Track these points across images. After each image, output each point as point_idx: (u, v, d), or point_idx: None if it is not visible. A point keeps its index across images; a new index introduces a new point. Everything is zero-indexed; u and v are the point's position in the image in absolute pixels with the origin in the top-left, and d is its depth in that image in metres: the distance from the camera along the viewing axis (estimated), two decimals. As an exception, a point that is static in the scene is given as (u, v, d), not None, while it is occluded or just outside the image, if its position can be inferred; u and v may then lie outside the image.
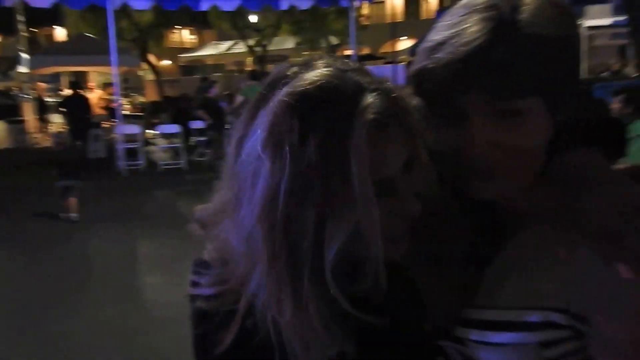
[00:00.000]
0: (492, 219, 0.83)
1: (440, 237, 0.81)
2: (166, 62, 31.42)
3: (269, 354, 0.73)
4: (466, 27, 0.70)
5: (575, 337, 0.74)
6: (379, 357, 0.79)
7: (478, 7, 0.71)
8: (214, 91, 8.88)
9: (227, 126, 9.88)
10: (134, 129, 11.28)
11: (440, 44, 0.72)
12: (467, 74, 0.70)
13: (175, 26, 28.26)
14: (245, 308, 0.74)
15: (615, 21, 13.55)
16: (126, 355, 3.65)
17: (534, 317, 0.74)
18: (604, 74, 13.54)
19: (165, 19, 21.35)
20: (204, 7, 10.47)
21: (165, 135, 11.54)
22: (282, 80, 0.71)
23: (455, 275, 0.81)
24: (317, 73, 0.70)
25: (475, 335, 0.79)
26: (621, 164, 3.32)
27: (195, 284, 0.83)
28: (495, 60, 0.69)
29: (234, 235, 0.74)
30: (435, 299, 0.81)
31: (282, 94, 0.68)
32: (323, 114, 0.67)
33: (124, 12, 16.41)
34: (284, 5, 10.96)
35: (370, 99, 0.68)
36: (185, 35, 36.50)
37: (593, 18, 13.95)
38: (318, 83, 0.68)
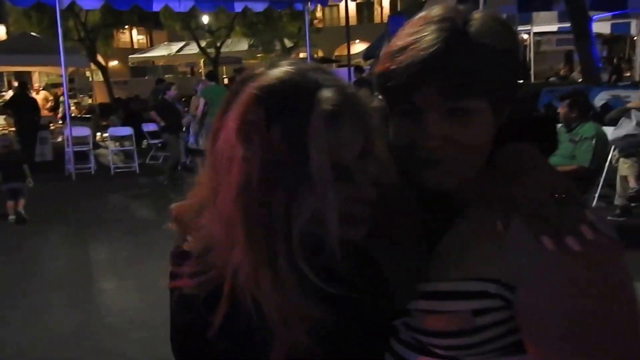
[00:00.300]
0: (443, 205, 0.93)
1: (398, 221, 0.89)
2: (115, 63, 30.71)
3: (251, 334, 0.82)
4: (424, 35, 0.81)
5: (504, 307, 0.82)
6: (347, 332, 0.87)
7: (434, 19, 0.82)
8: (171, 93, 8.71)
9: (184, 129, 9.74)
10: (83, 131, 10.98)
11: (402, 49, 0.82)
12: (423, 75, 0.80)
13: (125, 26, 27.63)
14: (228, 290, 0.81)
15: (561, 27, 14.03)
16: (73, 358, 3.59)
17: (471, 286, 0.83)
18: (552, 79, 14.00)
19: (114, 18, 20.88)
20: (156, 7, 10.29)
21: (116, 138, 11.29)
22: (251, 77, 0.80)
23: (411, 256, 0.90)
24: (282, 70, 0.80)
25: (421, 305, 0.88)
26: (567, 166, 3.58)
27: (175, 275, 0.89)
28: (448, 65, 0.79)
29: (214, 221, 0.81)
30: (395, 279, 0.89)
31: (250, 88, 0.78)
32: (286, 105, 0.76)
33: (71, 10, 15.96)
34: (238, 8, 10.89)
35: (327, 93, 0.78)
36: (134, 36, 35.82)
37: (540, 24, 14.38)
38: (282, 79, 0.78)
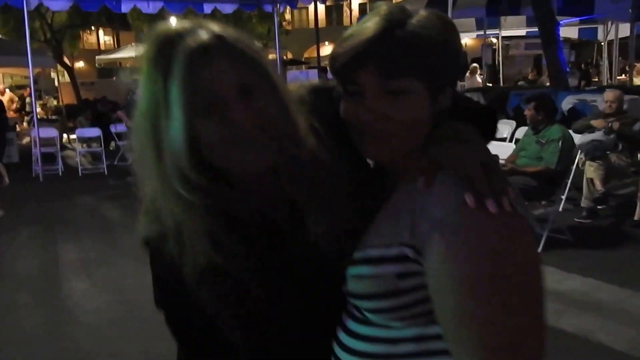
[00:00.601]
0: (381, 177, 1.04)
1: (338, 192, 0.99)
2: (81, 64, 30.19)
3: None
4: (368, 25, 0.92)
5: (422, 272, 0.88)
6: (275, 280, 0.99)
7: (380, 13, 0.93)
8: None
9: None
10: (50, 132, 10.80)
11: (349, 36, 0.94)
12: (362, 58, 0.91)
13: (92, 27, 27.23)
14: (163, 231, 0.97)
15: (529, 32, 14.31)
16: (47, 356, 3.57)
17: (394, 251, 0.90)
18: (521, 83, 14.27)
19: (81, 19, 20.56)
20: (125, 9, 10.18)
21: (84, 139, 11.12)
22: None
23: (350, 224, 0.99)
24: (172, 26, 0.93)
25: (355, 271, 0.96)
26: (534, 167, 4.24)
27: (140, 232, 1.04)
28: (383, 48, 0.90)
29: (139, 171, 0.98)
30: (330, 245, 0.97)
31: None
32: (164, 51, 0.89)
33: (36, 11, 15.68)
34: (207, 9, 10.84)
35: (197, 35, 0.89)
36: (101, 37, 35.32)
37: (509, 29, 14.64)
38: (168, 31, 0.91)
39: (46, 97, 20.11)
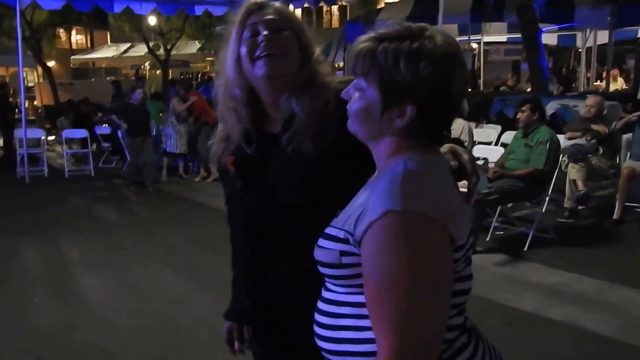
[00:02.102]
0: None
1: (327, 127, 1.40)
2: (53, 64, 29.61)
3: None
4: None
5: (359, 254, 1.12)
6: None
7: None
8: (137, 96, 8.60)
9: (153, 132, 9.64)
10: (36, 133, 10.74)
11: None
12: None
13: (74, 26, 26.77)
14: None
15: (510, 38, 14.60)
16: (60, 351, 3.61)
17: (341, 234, 1.15)
18: (503, 88, 14.56)
19: (61, 18, 20.25)
20: (117, 9, 10.20)
21: (69, 141, 11.08)
22: None
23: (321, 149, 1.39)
24: None
25: (320, 242, 1.22)
26: (523, 169, 4.04)
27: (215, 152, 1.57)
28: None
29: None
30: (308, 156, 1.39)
31: None
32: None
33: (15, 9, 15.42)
34: (199, 11, 10.89)
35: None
36: (74, 36, 34.59)
37: (491, 34, 14.89)
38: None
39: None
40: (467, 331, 1.20)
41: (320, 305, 1.26)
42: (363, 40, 1.15)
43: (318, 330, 1.25)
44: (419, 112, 1.11)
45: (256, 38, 1.40)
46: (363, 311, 1.14)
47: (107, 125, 11.84)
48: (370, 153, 1.24)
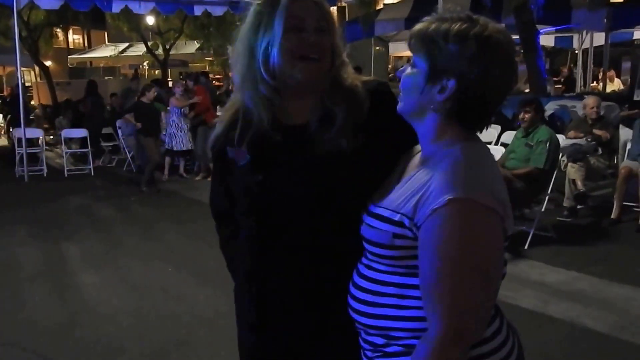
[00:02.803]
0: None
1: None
2: (49, 63, 29.57)
3: None
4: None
5: (414, 237, 1.17)
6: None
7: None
8: (150, 95, 8.65)
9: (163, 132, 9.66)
10: (35, 132, 10.74)
11: None
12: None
13: (71, 26, 26.70)
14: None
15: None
16: (60, 348, 3.63)
17: (397, 216, 1.19)
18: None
19: (58, 18, 20.20)
20: (116, 8, 10.19)
21: (67, 140, 11.06)
22: None
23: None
24: None
25: (368, 219, 1.28)
26: (523, 168, 4.12)
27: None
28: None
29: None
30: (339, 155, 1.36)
31: None
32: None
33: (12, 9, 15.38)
34: (198, 11, 10.90)
35: None
36: (70, 36, 34.49)
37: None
38: None
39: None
40: (497, 309, 1.30)
41: (360, 281, 1.30)
42: (421, 21, 1.23)
43: (355, 304, 1.30)
44: (459, 91, 1.17)
45: (302, 34, 1.34)
46: (406, 291, 1.22)
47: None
48: (392, 154, 1.37)
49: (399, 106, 1.28)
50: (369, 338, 1.29)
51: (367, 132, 1.37)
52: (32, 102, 20.34)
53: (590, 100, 6.71)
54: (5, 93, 16.14)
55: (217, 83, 18.97)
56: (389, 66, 21.89)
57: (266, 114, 1.39)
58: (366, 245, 1.28)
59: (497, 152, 6.06)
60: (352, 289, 1.33)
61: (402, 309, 1.22)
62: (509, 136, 6.62)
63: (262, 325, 1.47)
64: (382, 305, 1.25)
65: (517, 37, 10.09)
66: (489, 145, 6.31)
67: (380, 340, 1.26)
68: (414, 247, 1.17)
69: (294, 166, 1.39)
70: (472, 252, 1.11)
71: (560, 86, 13.75)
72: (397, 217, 1.19)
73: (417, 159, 1.31)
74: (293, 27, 1.33)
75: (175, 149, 9.40)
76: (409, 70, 1.25)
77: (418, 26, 1.23)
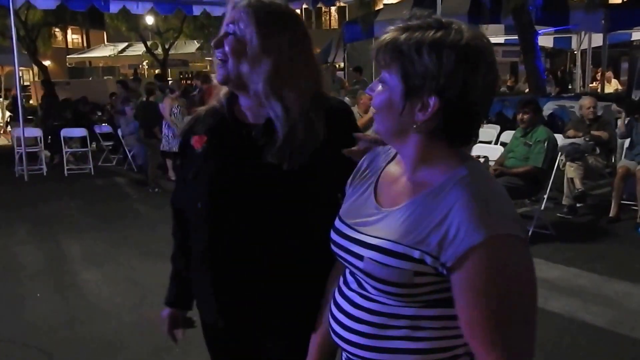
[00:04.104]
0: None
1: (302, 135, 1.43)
2: (48, 63, 29.57)
3: None
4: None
5: (435, 274, 1.06)
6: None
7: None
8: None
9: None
10: (34, 132, 10.73)
11: None
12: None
13: (70, 26, 26.69)
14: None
15: (507, 40, 14.72)
16: (62, 345, 3.64)
17: (416, 253, 1.06)
18: (502, 89, 14.67)
19: (56, 18, 20.21)
20: (113, 9, 10.19)
21: (66, 140, 11.06)
22: None
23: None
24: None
25: (369, 253, 1.13)
26: (522, 167, 4.17)
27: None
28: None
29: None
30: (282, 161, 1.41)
31: None
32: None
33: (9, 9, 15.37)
34: (197, 11, 10.90)
35: None
36: (69, 36, 34.49)
37: (489, 36, 14.94)
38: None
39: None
40: None
41: (357, 312, 1.18)
42: (387, 32, 1.10)
43: (356, 338, 1.17)
44: (443, 107, 1.06)
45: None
46: (421, 323, 1.12)
47: (106, 124, 11.86)
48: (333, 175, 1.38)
49: (376, 127, 1.17)
50: None
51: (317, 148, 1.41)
52: (31, 102, 20.33)
53: (585, 101, 6.76)
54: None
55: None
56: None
57: (225, 108, 1.53)
58: (370, 281, 1.14)
59: (496, 151, 6.11)
60: (343, 318, 1.20)
61: (415, 341, 1.12)
62: (508, 135, 6.66)
63: (221, 305, 1.55)
64: (390, 338, 1.13)
65: (516, 37, 10.13)
66: (488, 145, 6.44)
67: None
68: (437, 282, 1.08)
69: (243, 161, 1.46)
70: (523, 289, 1.04)
71: (553, 86, 13.78)
72: (416, 255, 1.07)
73: (399, 179, 1.19)
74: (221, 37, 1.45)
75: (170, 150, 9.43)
76: (379, 87, 1.13)
77: (384, 36, 1.09)
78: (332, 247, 1.25)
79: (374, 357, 1.15)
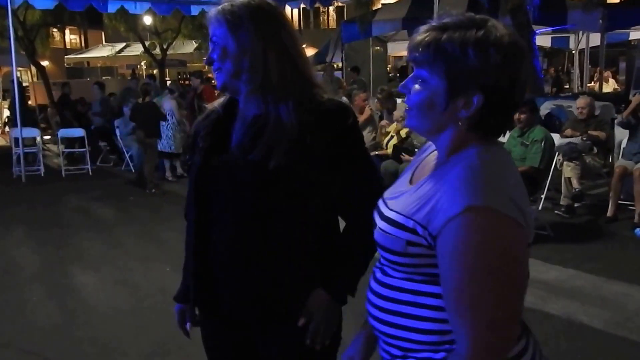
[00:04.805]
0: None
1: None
2: (46, 63, 29.49)
3: None
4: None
5: (428, 246, 1.12)
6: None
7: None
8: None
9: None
10: (32, 132, 10.71)
11: None
12: None
13: (67, 26, 26.65)
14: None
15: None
16: (60, 348, 3.62)
17: (410, 223, 1.13)
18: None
19: (54, 18, 20.17)
20: (111, 9, 10.18)
21: (64, 140, 11.04)
22: None
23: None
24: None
25: (381, 224, 1.22)
26: (519, 167, 4.16)
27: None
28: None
29: None
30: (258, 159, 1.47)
31: None
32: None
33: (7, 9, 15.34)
34: (195, 11, 10.90)
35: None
36: (67, 36, 34.44)
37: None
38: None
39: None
40: (524, 328, 1.25)
41: (377, 287, 1.26)
42: (424, 31, 1.13)
43: (374, 311, 1.26)
44: (485, 102, 1.09)
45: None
46: (423, 300, 1.16)
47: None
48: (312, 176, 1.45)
49: (410, 122, 1.20)
50: (387, 348, 1.25)
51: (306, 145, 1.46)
52: (29, 102, 20.30)
53: (581, 101, 6.75)
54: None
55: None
56: (389, 66, 21.93)
57: (222, 107, 1.63)
58: (380, 251, 1.23)
59: (494, 151, 6.09)
60: (370, 295, 1.28)
61: (419, 320, 1.17)
62: (505, 136, 6.66)
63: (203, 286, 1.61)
64: (398, 313, 1.20)
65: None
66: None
67: (397, 352, 1.22)
68: (430, 255, 1.12)
69: (238, 155, 1.52)
70: (495, 262, 1.05)
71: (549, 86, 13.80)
72: (410, 224, 1.13)
73: (432, 162, 1.25)
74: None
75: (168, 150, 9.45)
76: (417, 87, 1.15)
77: (422, 36, 1.12)
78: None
79: (387, 331, 1.22)
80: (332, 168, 1.48)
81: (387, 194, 1.30)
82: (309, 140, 1.44)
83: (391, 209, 1.20)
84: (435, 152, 1.25)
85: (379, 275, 1.26)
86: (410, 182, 1.26)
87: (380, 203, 1.28)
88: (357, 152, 1.55)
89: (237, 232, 1.51)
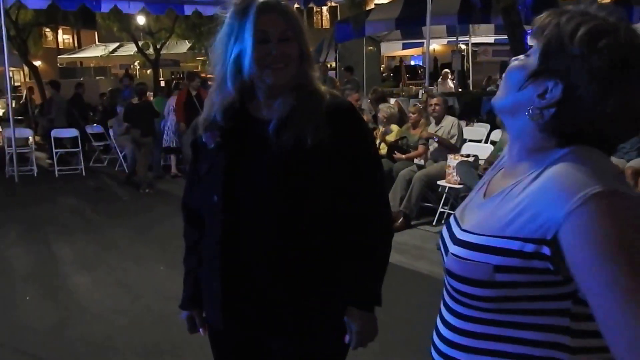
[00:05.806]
0: None
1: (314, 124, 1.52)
2: (39, 63, 29.35)
3: None
4: None
5: (529, 270, 0.92)
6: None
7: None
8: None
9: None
10: (24, 132, 10.68)
11: None
12: None
13: (61, 26, 26.54)
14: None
15: (497, 39, 14.77)
16: (53, 349, 3.61)
17: (498, 242, 0.94)
18: (490, 88, 14.75)
19: (47, 17, 20.08)
20: (105, 8, 10.15)
21: (57, 140, 10.99)
22: None
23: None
24: None
25: (453, 248, 1.04)
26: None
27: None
28: None
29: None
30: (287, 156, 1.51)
31: None
32: (244, 5, 1.49)
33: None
34: (188, 11, 10.88)
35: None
36: (60, 36, 34.31)
37: (478, 36, 15.08)
38: None
39: (2, 98, 19.55)
40: None
41: (450, 319, 1.07)
42: (555, 10, 1.01)
43: (444, 348, 1.07)
44: (563, 104, 0.96)
45: (267, 46, 1.48)
46: (521, 334, 0.97)
47: (97, 124, 11.83)
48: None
49: (496, 97, 1.08)
50: None
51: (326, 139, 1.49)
52: (22, 102, 20.20)
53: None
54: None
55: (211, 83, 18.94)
56: (382, 66, 21.95)
57: (221, 103, 1.58)
58: (452, 283, 1.03)
59: (487, 149, 6.12)
60: (441, 327, 1.10)
61: (507, 358, 0.99)
62: (498, 134, 6.69)
63: (227, 297, 1.57)
64: (484, 352, 1.01)
65: (506, 37, 10.17)
66: (478, 144, 6.45)
67: None
68: (520, 283, 0.94)
69: (256, 155, 1.54)
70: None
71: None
72: (499, 244, 0.94)
73: (501, 173, 1.12)
74: (260, 40, 1.47)
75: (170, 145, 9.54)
76: (520, 59, 1.05)
77: (547, 13, 1.01)
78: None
79: None
80: (342, 166, 1.54)
81: (458, 212, 1.14)
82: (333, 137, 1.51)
83: (470, 231, 1.02)
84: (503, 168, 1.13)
85: (448, 317, 1.06)
86: (485, 193, 1.11)
87: (452, 223, 1.12)
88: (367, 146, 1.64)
89: (272, 233, 1.51)
